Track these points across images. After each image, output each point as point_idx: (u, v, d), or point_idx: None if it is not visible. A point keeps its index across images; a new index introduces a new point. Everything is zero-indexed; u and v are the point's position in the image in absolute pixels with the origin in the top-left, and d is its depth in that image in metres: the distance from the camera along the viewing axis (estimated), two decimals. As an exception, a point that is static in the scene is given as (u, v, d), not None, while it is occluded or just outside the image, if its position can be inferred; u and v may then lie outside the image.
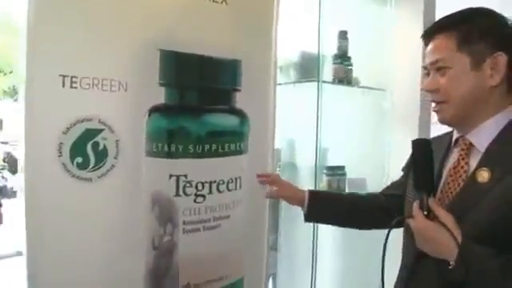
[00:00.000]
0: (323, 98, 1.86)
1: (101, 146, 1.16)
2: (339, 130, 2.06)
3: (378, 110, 2.26)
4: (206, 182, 1.36)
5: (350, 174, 2.03)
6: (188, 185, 1.32)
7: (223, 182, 1.41)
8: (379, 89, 2.26)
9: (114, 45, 1.17)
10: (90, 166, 1.14)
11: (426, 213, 0.93)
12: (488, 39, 0.91)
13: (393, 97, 2.27)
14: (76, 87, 1.11)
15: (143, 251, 1.24)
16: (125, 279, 1.21)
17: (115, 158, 1.18)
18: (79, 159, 1.12)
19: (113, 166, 1.18)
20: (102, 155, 1.16)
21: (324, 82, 1.90)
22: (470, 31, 0.92)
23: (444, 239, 0.87)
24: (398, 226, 1.03)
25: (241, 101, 1.44)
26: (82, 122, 1.12)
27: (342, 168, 2.04)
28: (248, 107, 1.47)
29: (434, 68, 0.98)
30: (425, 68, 1.02)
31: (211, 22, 1.37)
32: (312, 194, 1.40)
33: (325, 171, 1.98)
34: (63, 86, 1.09)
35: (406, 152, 1.29)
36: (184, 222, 1.31)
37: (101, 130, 1.16)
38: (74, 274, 1.12)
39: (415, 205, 0.95)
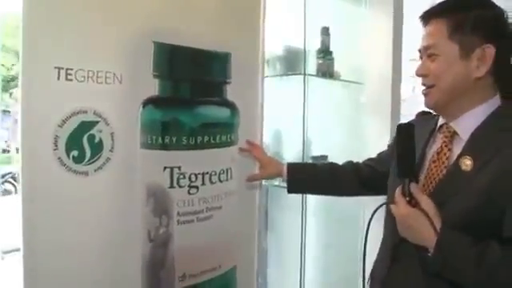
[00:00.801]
0: (308, 90, 1.90)
1: (96, 139, 1.15)
2: (322, 121, 2.11)
3: (356, 102, 2.34)
4: (199, 174, 1.37)
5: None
6: (182, 176, 1.33)
7: (215, 173, 1.42)
8: (357, 82, 2.33)
9: (109, 37, 1.16)
10: (86, 160, 1.13)
11: (407, 199, 0.93)
12: (479, 31, 0.92)
13: (368, 90, 2.35)
14: (71, 79, 1.09)
15: (140, 243, 1.25)
16: (122, 271, 1.21)
17: (111, 150, 1.18)
18: (75, 152, 1.11)
19: (108, 158, 1.17)
20: (97, 148, 1.15)
21: (309, 75, 1.94)
22: (463, 20, 0.93)
23: (424, 227, 0.88)
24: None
25: (231, 93, 1.46)
26: (78, 114, 1.11)
27: (325, 157, 2.10)
28: (238, 99, 1.49)
29: (425, 53, 0.99)
30: (419, 51, 1.02)
31: (202, 15, 1.38)
32: (290, 168, 1.46)
33: (310, 161, 2.03)
34: (58, 78, 1.07)
35: (381, 141, 1.35)
36: (178, 214, 1.32)
37: (96, 123, 1.15)
38: (71, 267, 1.11)
39: (397, 191, 0.96)
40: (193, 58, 1.34)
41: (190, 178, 1.35)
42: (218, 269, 1.43)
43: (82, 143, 1.13)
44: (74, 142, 1.11)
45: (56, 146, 1.08)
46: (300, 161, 1.93)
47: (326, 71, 2.06)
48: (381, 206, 1.01)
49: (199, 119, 1.37)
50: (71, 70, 1.09)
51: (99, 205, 1.16)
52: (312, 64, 2.04)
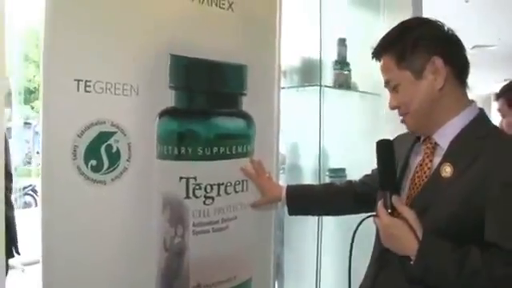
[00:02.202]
0: (325, 101, 1.90)
1: (114, 149, 1.18)
2: (340, 133, 2.10)
3: (374, 113, 2.31)
4: (215, 184, 1.38)
5: (350, 175, 2.07)
6: (197, 187, 1.34)
7: (231, 184, 1.43)
8: (375, 94, 2.31)
9: (127, 50, 1.19)
10: (104, 169, 1.16)
11: (389, 211, 0.96)
12: (420, 49, 0.97)
13: (386, 101, 2.32)
14: (90, 91, 1.12)
15: (155, 252, 1.26)
16: (137, 280, 1.22)
17: (128, 160, 1.20)
18: (93, 162, 1.14)
19: (125, 168, 1.20)
20: (115, 158, 1.18)
21: (326, 86, 1.95)
22: (402, 48, 0.99)
23: (405, 236, 0.91)
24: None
25: (247, 104, 1.48)
26: (96, 125, 1.14)
27: (343, 170, 2.09)
28: (254, 111, 1.50)
29: (388, 87, 1.06)
30: (385, 86, 1.09)
31: (218, 28, 1.40)
32: (289, 192, 1.45)
33: (327, 173, 2.03)
34: (78, 89, 1.10)
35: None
36: (194, 224, 1.33)
37: (113, 133, 1.17)
38: (87, 274, 1.13)
39: (379, 203, 1.00)
40: (209, 70, 1.37)
41: (205, 189, 1.36)
42: (233, 280, 1.43)
43: (99, 153, 1.15)
44: (92, 151, 1.13)
45: (75, 155, 1.11)
46: (316, 173, 1.92)
47: (344, 83, 2.06)
48: (365, 218, 1.04)
49: (215, 130, 1.38)
50: (90, 81, 1.12)
51: (116, 213, 1.18)
52: (330, 75, 2.05)
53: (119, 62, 1.18)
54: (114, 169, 1.18)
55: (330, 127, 1.95)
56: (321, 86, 1.92)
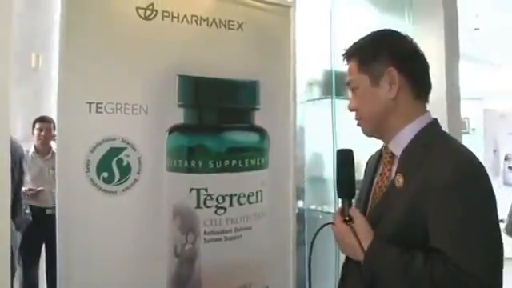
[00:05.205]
0: (343, 113, 1.90)
1: (124, 163, 1.30)
2: (361, 143, 2.08)
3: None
4: (227, 195, 1.45)
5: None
6: (209, 198, 1.42)
7: (244, 195, 1.49)
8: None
9: (136, 73, 1.33)
10: (115, 181, 1.29)
11: (347, 218, 1.00)
12: (380, 58, 1.02)
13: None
14: (101, 112, 1.27)
15: (166, 258, 1.35)
16: (148, 286, 1.32)
17: (138, 173, 1.32)
18: (105, 174, 1.27)
19: (136, 180, 1.32)
20: (125, 171, 1.30)
21: (343, 98, 1.95)
22: (365, 54, 1.04)
23: (355, 243, 0.96)
24: None
25: (260, 118, 1.54)
26: (107, 141, 1.28)
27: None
28: (268, 124, 1.56)
29: (349, 88, 1.10)
30: (346, 88, 1.16)
31: (228, 47, 1.50)
32: None
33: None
34: (90, 111, 1.26)
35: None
36: (205, 232, 1.41)
37: (124, 148, 1.30)
38: (100, 280, 1.25)
39: (337, 211, 1.04)
40: (218, 87, 1.46)
41: (217, 199, 1.43)
42: (248, 287, 1.47)
43: (111, 166, 1.29)
44: (104, 165, 1.27)
45: (88, 168, 1.25)
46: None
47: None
48: (323, 226, 1.06)
49: (226, 144, 1.46)
50: (101, 103, 1.27)
51: (127, 221, 1.30)
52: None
53: (128, 85, 1.32)
54: (125, 180, 1.30)
55: (350, 138, 1.94)
56: (332, 97, 1.93)
